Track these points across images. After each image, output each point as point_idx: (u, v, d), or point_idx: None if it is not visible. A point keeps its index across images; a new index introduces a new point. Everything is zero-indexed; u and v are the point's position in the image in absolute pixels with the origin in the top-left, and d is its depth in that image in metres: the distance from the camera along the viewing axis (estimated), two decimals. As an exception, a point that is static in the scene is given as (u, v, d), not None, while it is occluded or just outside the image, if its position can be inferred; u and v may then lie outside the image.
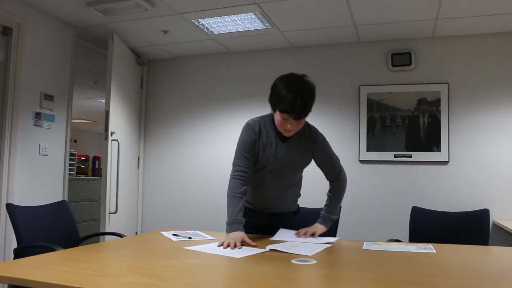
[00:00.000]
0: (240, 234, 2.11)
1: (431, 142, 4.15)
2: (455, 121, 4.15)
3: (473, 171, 4.07)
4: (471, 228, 3.18)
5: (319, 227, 2.40)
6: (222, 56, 4.96)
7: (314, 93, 2.22)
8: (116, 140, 4.34)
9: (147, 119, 5.23)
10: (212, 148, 4.91)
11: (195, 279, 1.44)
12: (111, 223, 4.23)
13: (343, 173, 2.52)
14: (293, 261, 1.72)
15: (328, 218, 2.45)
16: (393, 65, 4.27)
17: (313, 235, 2.35)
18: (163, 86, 5.20)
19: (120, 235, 2.94)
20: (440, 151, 4.13)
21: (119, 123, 4.52)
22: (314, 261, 1.72)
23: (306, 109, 2.16)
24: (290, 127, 2.20)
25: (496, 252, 2.16)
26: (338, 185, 2.52)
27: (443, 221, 3.25)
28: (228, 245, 2.02)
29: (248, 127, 2.38)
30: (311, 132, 2.41)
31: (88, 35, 4.36)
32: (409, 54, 4.24)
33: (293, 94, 2.12)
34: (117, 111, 4.46)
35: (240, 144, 2.37)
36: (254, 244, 2.06)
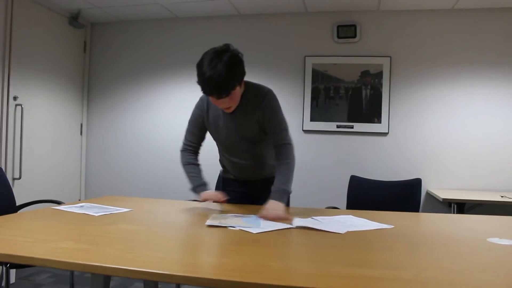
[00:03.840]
0: (213, 192, 2.28)
1: (372, 113, 4.28)
2: (395, 94, 4.29)
3: (410, 142, 4.26)
4: (404, 196, 3.34)
5: (272, 207, 2.06)
6: (169, 21, 4.85)
7: (232, 68, 2.01)
8: (20, 105, 4.04)
9: (91, 84, 5.07)
10: (158, 115, 4.86)
11: (128, 244, 1.45)
12: (20, 189, 4.00)
13: (289, 142, 2.29)
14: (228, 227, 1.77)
15: (284, 193, 2.17)
16: (338, 37, 4.34)
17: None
18: (109, 51, 5.04)
19: (59, 203, 2.89)
20: (380, 122, 4.27)
21: (38, 88, 4.30)
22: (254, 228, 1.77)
23: (222, 89, 2.00)
24: (222, 106, 2.15)
25: (424, 218, 2.29)
26: (283, 152, 2.26)
27: (378, 189, 3.39)
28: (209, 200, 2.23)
29: (198, 103, 2.43)
30: (259, 96, 2.27)
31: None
32: (354, 26, 4.31)
33: (207, 75, 1.96)
34: (35, 74, 4.25)
35: (190, 118, 2.45)
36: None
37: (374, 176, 3.65)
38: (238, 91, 2.13)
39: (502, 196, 3.64)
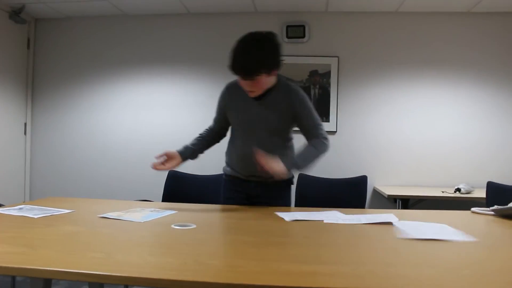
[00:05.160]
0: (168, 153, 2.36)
1: (321, 112, 4.36)
2: (343, 93, 4.39)
3: (357, 141, 4.37)
4: (351, 193, 3.42)
5: (274, 162, 2.10)
6: (118, 19, 4.75)
7: (263, 51, 2.07)
8: None
9: (36, 82, 4.90)
10: (107, 114, 4.75)
11: (68, 246, 1.42)
12: None
13: (325, 137, 2.32)
14: (172, 226, 1.76)
15: (292, 161, 2.19)
16: (287, 37, 4.39)
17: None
18: (55, 48, 4.88)
19: (-1, 205, 2.77)
20: (329, 121, 4.36)
21: None
22: (194, 226, 1.77)
23: (249, 69, 2.05)
24: (247, 88, 2.16)
25: (368, 214, 2.35)
26: (317, 141, 2.29)
27: (326, 187, 3.46)
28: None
29: (222, 90, 2.45)
30: (290, 92, 2.28)
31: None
32: (303, 27, 4.38)
33: (237, 54, 2.05)
34: None
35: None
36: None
37: (322, 174, 3.72)
38: (265, 79, 2.14)
39: (443, 192, 3.80)
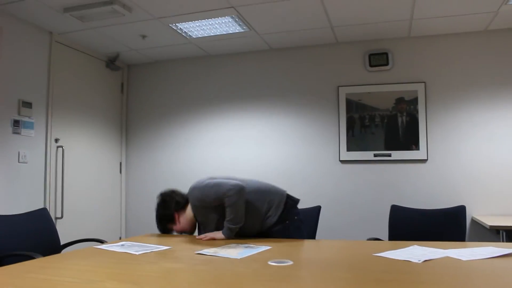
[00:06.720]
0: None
1: (410, 140, 4.21)
2: (432, 120, 4.22)
3: (451, 168, 4.14)
4: (449, 224, 3.24)
5: (218, 234, 2.49)
6: (202, 59, 4.97)
7: (158, 217, 2.89)
8: (61, 147, 4.21)
9: (129, 123, 5.21)
10: (194, 152, 4.92)
11: (171, 283, 1.45)
12: (62, 228, 4.03)
13: (227, 194, 2.47)
14: (269, 262, 1.75)
15: (227, 228, 2.48)
16: (370, 65, 4.33)
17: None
18: (145, 91, 5.19)
19: (101, 241, 2.93)
20: (418, 149, 4.19)
21: (78, 129, 4.49)
22: (290, 262, 1.74)
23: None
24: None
25: (473, 247, 2.20)
26: (226, 200, 2.48)
27: (421, 218, 3.31)
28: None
29: None
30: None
31: (68, 41, 4.33)
32: (386, 54, 4.30)
33: None
34: (75, 117, 4.45)
35: None
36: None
37: (414, 205, 3.56)
38: (179, 222, 2.75)
39: (553, 221, 3.47)
